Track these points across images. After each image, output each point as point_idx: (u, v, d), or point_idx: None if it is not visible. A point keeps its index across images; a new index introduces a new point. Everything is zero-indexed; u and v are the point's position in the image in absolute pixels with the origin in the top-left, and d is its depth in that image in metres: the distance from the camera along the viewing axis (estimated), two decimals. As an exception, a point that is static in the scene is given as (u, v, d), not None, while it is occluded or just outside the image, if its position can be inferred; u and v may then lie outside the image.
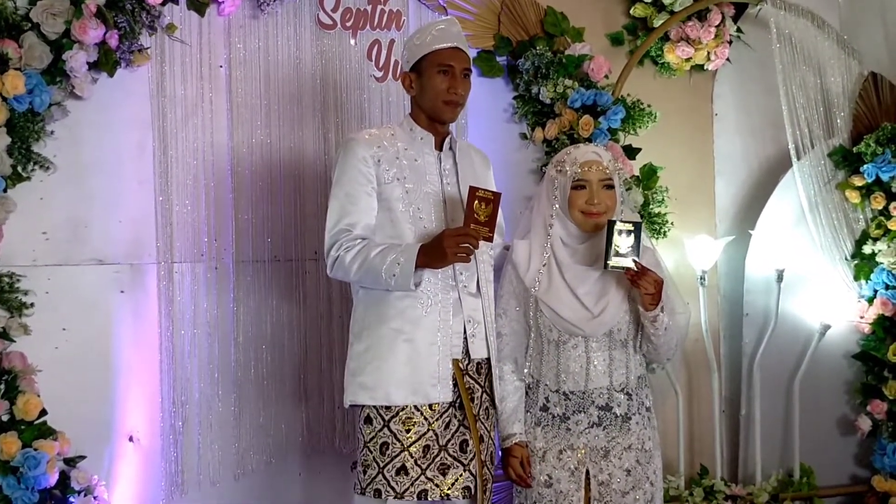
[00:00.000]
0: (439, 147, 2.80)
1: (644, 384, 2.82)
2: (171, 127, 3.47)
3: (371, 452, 2.69)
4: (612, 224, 2.62)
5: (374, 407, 2.69)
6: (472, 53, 3.65)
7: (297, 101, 3.60)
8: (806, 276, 3.91)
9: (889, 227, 3.96)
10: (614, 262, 2.62)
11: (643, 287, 2.61)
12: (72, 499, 3.18)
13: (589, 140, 3.62)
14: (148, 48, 3.37)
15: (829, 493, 4.07)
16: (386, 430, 2.69)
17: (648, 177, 3.77)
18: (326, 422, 3.57)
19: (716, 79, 4.04)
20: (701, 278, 3.78)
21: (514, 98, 3.81)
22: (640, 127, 3.79)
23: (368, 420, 2.71)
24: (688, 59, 3.94)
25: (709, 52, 3.94)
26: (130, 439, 3.41)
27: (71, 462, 3.23)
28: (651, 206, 3.74)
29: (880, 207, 3.97)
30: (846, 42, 4.07)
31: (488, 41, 3.74)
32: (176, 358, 3.46)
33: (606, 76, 3.75)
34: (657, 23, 3.88)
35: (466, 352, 2.74)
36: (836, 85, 3.99)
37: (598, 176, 2.72)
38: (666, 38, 3.92)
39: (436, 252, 2.56)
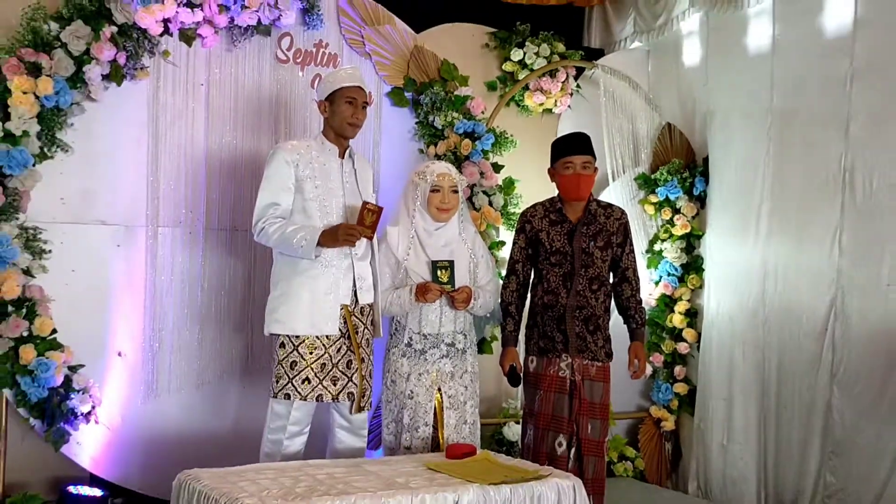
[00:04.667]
0: (342, 156, 3.25)
1: (472, 326, 3.42)
2: (161, 127, 3.77)
3: (283, 368, 3.12)
4: (435, 263, 3.15)
5: (287, 336, 3.13)
6: (387, 88, 4.11)
7: (258, 114, 3.94)
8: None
9: (672, 232, 4.56)
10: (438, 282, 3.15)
11: (458, 305, 3.21)
12: (72, 395, 3.48)
13: (467, 158, 4.17)
14: (147, 67, 3.69)
15: (621, 417, 4.68)
16: (295, 352, 3.12)
17: (508, 186, 4.36)
18: (265, 348, 3.80)
19: (560, 119, 4.57)
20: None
21: (416, 123, 4.26)
22: (504, 150, 4.32)
23: (283, 345, 3.15)
24: (541, 104, 4.49)
25: (556, 100, 4.50)
26: (119, 354, 3.74)
27: (73, 369, 3.54)
28: (509, 207, 4.33)
29: (668, 218, 4.56)
30: (651, 100, 4.64)
31: (399, 80, 4.19)
32: (156, 297, 3.78)
33: (483, 112, 4.27)
34: (521, 76, 4.43)
35: (356, 299, 3.20)
36: (642, 130, 4.56)
37: (448, 183, 3.28)
38: (527, 87, 4.45)
39: (331, 236, 3.04)
